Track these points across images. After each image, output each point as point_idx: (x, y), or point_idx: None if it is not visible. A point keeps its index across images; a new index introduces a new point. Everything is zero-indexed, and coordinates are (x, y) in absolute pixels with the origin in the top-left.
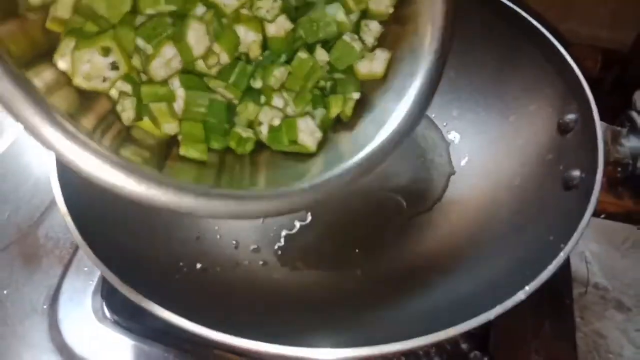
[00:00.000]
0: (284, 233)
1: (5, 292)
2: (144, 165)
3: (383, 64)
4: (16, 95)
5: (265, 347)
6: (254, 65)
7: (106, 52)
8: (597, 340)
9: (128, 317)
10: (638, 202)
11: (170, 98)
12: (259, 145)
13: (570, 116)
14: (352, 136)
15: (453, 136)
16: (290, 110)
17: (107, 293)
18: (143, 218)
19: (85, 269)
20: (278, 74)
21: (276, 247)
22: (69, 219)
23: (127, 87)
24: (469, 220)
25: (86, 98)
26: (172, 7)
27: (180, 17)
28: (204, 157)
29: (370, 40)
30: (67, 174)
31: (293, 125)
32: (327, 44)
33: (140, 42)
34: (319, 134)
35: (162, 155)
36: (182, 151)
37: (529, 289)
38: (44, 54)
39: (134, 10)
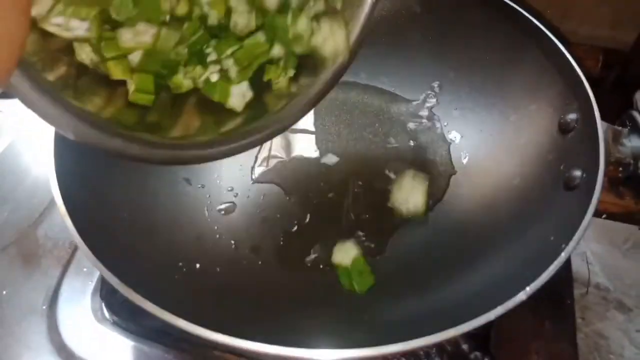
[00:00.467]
0: (283, 233)
1: (4, 292)
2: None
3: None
4: None
5: (265, 347)
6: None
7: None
8: (598, 340)
9: (127, 318)
10: (639, 202)
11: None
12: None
13: (572, 116)
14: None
15: (454, 136)
16: (232, 73)
17: (106, 294)
18: (142, 218)
19: (85, 269)
20: (230, 50)
21: (275, 247)
22: (68, 220)
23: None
24: (470, 220)
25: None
26: None
27: None
28: (150, 103)
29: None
30: (66, 174)
31: (227, 90)
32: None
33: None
34: (249, 95)
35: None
36: (132, 98)
37: (529, 289)
38: None
39: None
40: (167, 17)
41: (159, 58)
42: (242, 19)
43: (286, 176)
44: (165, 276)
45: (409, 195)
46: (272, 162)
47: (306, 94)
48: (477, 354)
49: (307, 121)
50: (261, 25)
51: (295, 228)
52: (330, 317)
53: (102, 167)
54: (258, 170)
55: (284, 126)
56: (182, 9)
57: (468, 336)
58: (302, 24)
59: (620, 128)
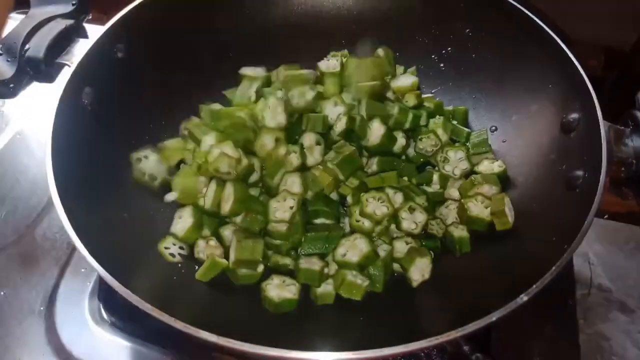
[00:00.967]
0: None
1: (2, 293)
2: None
3: None
4: None
5: (265, 350)
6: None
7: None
8: (601, 342)
9: (125, 319)
10: None
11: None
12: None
13: (574, 115)
14: None
15: None
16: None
17: (104, 295)
18: (140, 220)
19: (83, 270)
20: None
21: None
22: (65, 220)
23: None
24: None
25: None
26: None
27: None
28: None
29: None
30: (64, 176)
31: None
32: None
33: None
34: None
35: None
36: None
37: (531, 290)
38: None
39: None
40: None
41: None
42: None
43: None
44: (163, 278)
45: None
46: None
47: None
48: (478, 355)
49: None
50: None
51: None
52: (331, 320)
53: (100, 168)
54: None
55: None
56: None
57: (469, 337)
58: None
59: (622, 128)
